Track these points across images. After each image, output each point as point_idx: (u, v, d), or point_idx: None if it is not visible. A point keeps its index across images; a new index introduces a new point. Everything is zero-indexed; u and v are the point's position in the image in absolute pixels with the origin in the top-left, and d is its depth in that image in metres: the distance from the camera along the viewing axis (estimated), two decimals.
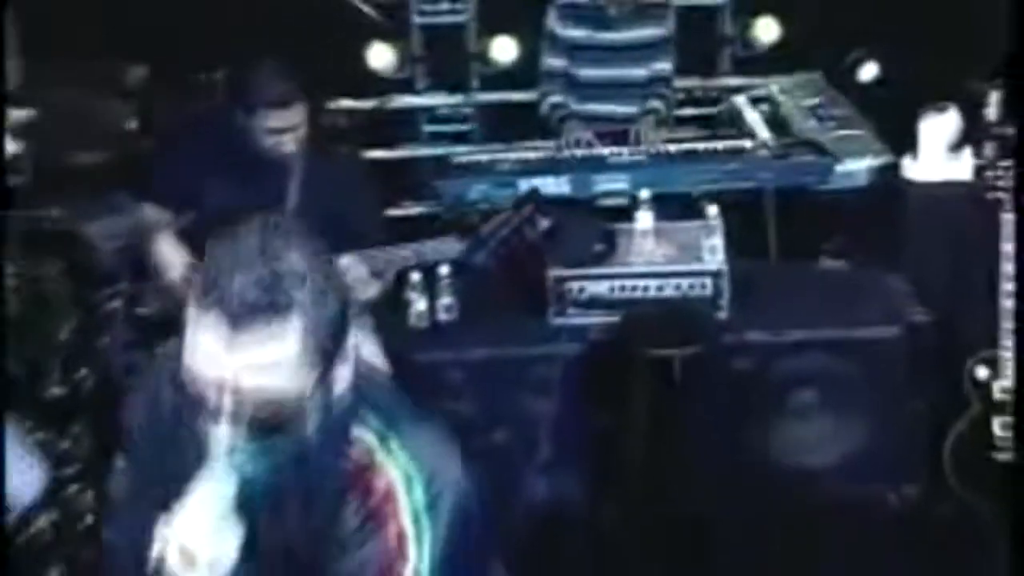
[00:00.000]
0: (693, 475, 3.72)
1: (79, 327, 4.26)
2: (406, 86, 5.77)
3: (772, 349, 3.94)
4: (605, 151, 4.46)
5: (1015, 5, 3.67)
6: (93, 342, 3.99)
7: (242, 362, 1.43)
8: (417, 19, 5.72)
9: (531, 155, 4.59)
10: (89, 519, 3.61)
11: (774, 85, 5.10)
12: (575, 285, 4.00)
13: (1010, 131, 3.71)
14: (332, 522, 1.55)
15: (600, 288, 4.00)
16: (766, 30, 5.63)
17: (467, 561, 1.62)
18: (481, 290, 4.02)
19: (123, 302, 3.82)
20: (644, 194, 4.06)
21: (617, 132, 4.60)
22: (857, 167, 4.45)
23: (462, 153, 4.92)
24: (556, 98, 4.68)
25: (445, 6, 5.74)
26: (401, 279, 3.74)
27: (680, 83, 5.11)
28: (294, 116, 3.28)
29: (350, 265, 3.24)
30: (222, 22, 4.99)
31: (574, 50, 4.67)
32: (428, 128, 5.87)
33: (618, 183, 4.22)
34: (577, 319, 4.00)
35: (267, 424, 1.46)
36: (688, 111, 5.58)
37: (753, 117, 4.92)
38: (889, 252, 4.35)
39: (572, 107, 4.67)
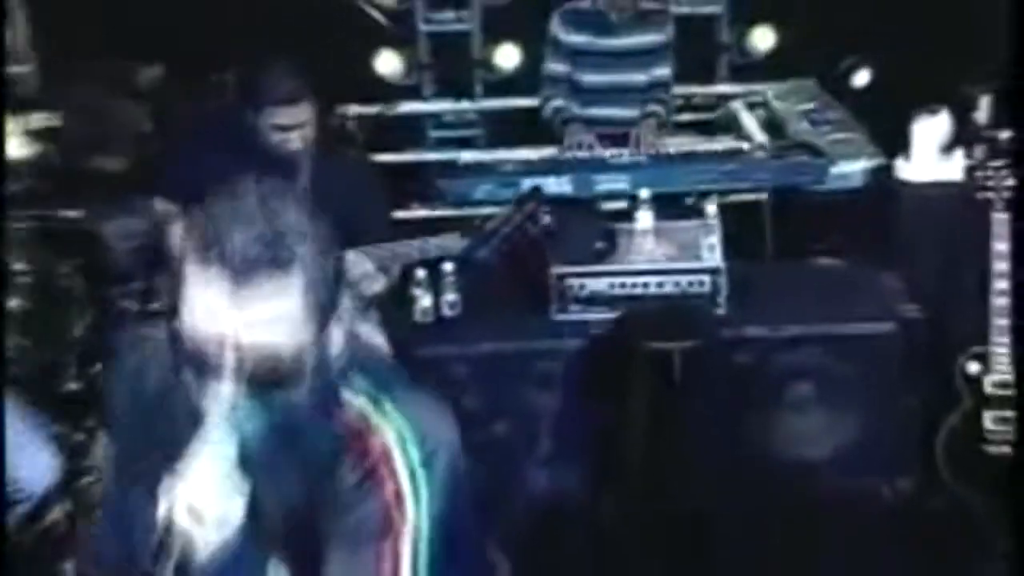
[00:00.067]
0: (692, 467, 3.71)
1: (94, 324, 4.26)
2: (413, 92, 5.79)
3: (769, 344, 3.94)
4: (606, 153, 4.45)
5: (1014, 8, 3.65)
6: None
7: (244, 317, 1.41)
8: (423, 27, 5.73)
9: (534, 156, 4.59)
10: None
11: (770, 91, 5.10)
12: (577, 282, 4.00)
13: (1003, 134, 3.69)
14: (329, 483, 1.53)
15: (601, 285, 4.00)
16: (762, 38, 5.68)
17: (464, 521, 1.60)
18: (485, 286, 4.03)
19: (137, 299, 3.81)
20: (644, 194, 4.04)
21: (618, 135, 4.59)
22: (851, 169, 4.45)
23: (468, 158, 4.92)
24: (558, 102, 4.67)
25: (450, 15, 5.75)
26: (406, 275, 3.72)
27: (679, 90, 5.11)
28: (301, 114, 3.26)
29: (356, 260, 3.22)
30: (234, 29, 4.99)
31: (576, 55, 4.66)
32: (434, 133, 5.90)
33: (618, 183, 4.21)
34: (579, 315, 4.00)
35: (267, 379, 1.43)
36: (687, 117, 5.58)
37: (750, 121, 4.93)
38: (883, 250, 4.35)
39: (574, 111, 4.66)
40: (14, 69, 5.46)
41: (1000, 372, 3.62)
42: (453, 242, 3.34)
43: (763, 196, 4.61)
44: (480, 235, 3.25)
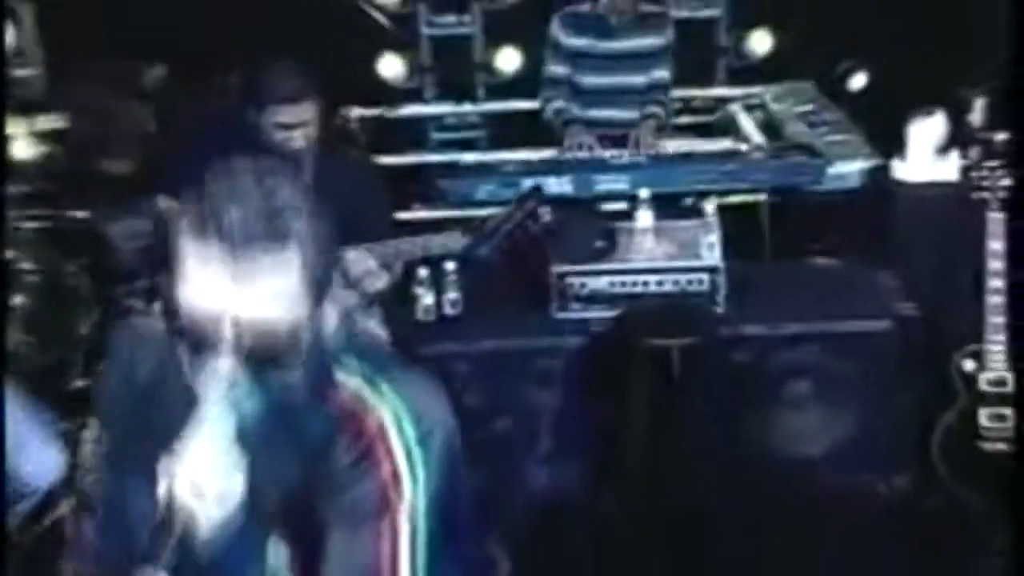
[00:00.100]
0: (691, 463, 3.70)
1: (100, 322, 4.25)
2: (415, 95, 5.79)
3: (768, 342, 3.93)
4: (606, 154, 4.45)
5: (1013, 10, 3.65)
6: None
7: (243, 292, 1.40)
8: (426, 31, 5.73)
9: (535, 157, 4.59)
10: None
11: (768, 93, 5.09)
12: (577, 281, 3.99)
13: (998, 136, 3.68)
14: (325, 464, 1.52)
15: (601, 283, 3.99)
16: (760, 42, 5.69)
17: (461, 502, 1.58)
18: (486, 285, 4.03)
19: (142, 297, 3.80)
20: (644, 193, 4.03)
21: (618, 136, 4.59)
22: (848, 169, 4.44)
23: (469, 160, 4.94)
24: (559, 103, 4.67)
25: (452, 19, 5.75)
26: (409, 273, 3.71)
27: (678, 93, 5.10)
28: (304, 112, 3.24)
29: (359, 257, 3.21)
30: (237, 33, 4.99)
31: (576, 58, 4.66)
32: (436, 136, 5.90)
33: (618, 184, 4.19)
34: (579, 313, 3.99)
35: (264, 356, 1.42)
36: (686, 119, 5.58)
37: (748, 123, 4.92)
38: (879, 250, 4.35)
39: (575, 112, 4.66)
40: (21, 72, 5.47)
41: (995, 369, 3.63)
42: (455, 240, 3.32)
43: (761, 197, 4.59)
44: (481, 233, 3.24)
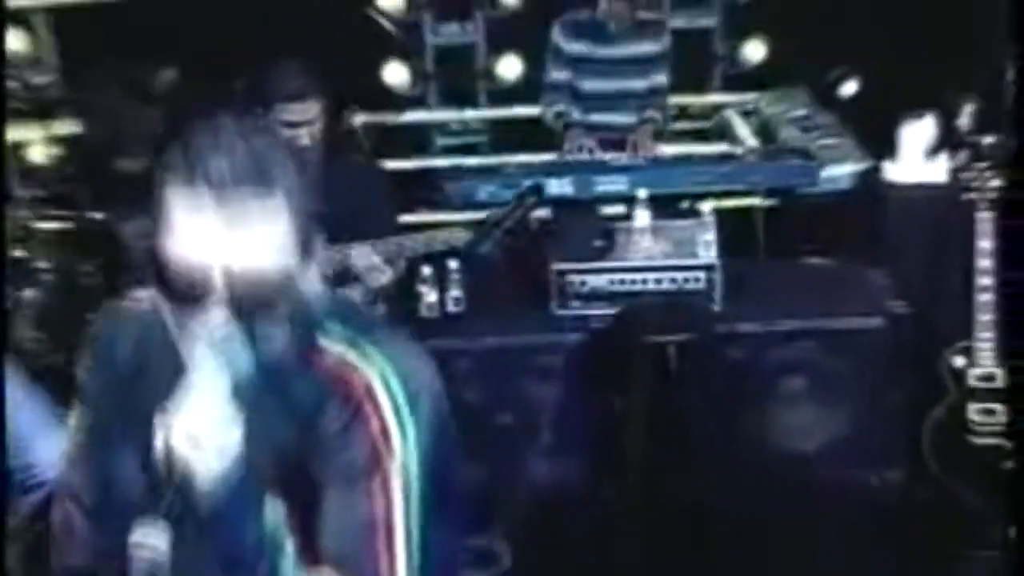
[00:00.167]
0: (687, 458, 3.68)
1: None
2: (419, 102, 5.80)
3: (763, 339, 3.92)
4: (606, 157, 4.43)
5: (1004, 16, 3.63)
6: None
7: (232, 239, 1.37)
8: (431, 39, 5.72)
9: (536, 159, 4.57)
10: None
11: (762, 99, 5.08)
12: (577, 278, 3.99)
13: (986, 139, 3.67)
14: (316, 429, 1.48)
15: (600, 281, 3.98)
16: (754, 50, 5.71)
17: (451, 468, 1.55)
18: (488, 283, 4.01)
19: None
20: (642, 194, 4.01)
21: (616, 140, 4.56)
22: (840, 172, 4.43)
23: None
24: (560, 107, 4.64)
25: (455, 28, 5.75)
26: (412, 271, 3.69)
27: (675, 99, 5.08)
28: (309, 110, 3.21)
29: (362, 253, 3.18)
30: (246, 42, 4.97)
31: (577, 63, 4.63)
32: (440, 141, 5.91)
33: (618, 185, 4.16)
34: (579, 310, 3.98)
35: (255, 305, 1.39)
36: (682, 125, 5.58)
37: (743, 128, 4.90)
38: (871, 249, 4.33)
39: (575, 116, 4.63)
40: (38, 79, 5.47)
41: (984, 365, 3.60)
42: (457, 236, 3.29)
43: (756, 199, 4.57)
44: (483, 229, 3.21)
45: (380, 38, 5.68)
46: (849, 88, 5.39)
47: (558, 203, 4.10)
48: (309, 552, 1.48)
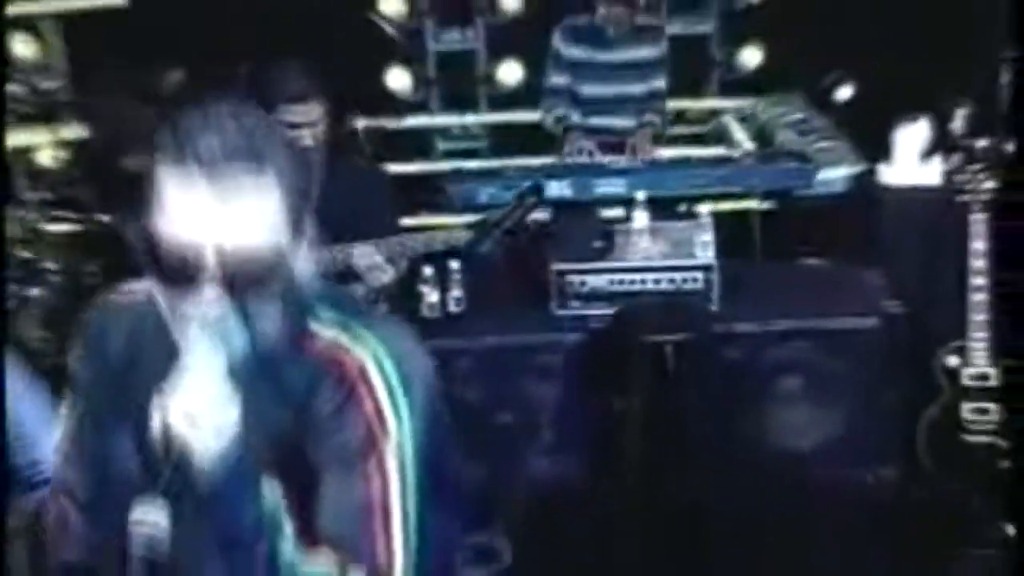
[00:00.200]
0: (684, 456, 3.66)
1: None
2: (421, 107, 5.81)
3: (759, 339, 3.91)
4: (605, 159, 4.42)
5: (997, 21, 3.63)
6: None
7: (224, 216, 1.36)
8: (432, 46, 5.72)
9: (536, 162, 4.58)
10: None
11: (758, 104, 5.08)
12: (576, 279, 3.98)
13: (979, 143, 3.66)
14: (311, 413, 1.47)
15: (599, 282, 3.97)
16: (751, 56, 5.73)
17: (446, 452, 1.55)
18: (489, 283, 4.01)
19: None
20: (640, 196, 4.00)
21: (616, 143, 4.56)
22: (836, 174, 4.41)
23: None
24: (560, 111, 4.63)
25: (456, 34, 5.76)
26: (413, 271, 3.68)
27: (672, 104, 5.07)
28: (311, 112, 3.20)
29: (364, 252, 3.17)
30: (247, 45, 4.97)
31: (576, 68, 4.63)
32: (441, 145, 5.92)
33: (616, 187, 4.15)
34: (578, 310, 3.97)
35: (247, 283, 1.38)
36: (680, 130, 5.57)
37: (739, 131, 4.90)
38: (866, 250, 4.33)
39: (574, 120, 4.63)
40: (47, 84, 5.47)
41: (978, 365, 3.59)
42: (458, 236, 3.29)
43: (753, 202, 4.56)
44: (483, 228, 3.20)
45: (383, 44, 5.69)
46: (844, 93, 5.40)
47: (558, 205, 4.09)
48: (307, 533, 1.47)
